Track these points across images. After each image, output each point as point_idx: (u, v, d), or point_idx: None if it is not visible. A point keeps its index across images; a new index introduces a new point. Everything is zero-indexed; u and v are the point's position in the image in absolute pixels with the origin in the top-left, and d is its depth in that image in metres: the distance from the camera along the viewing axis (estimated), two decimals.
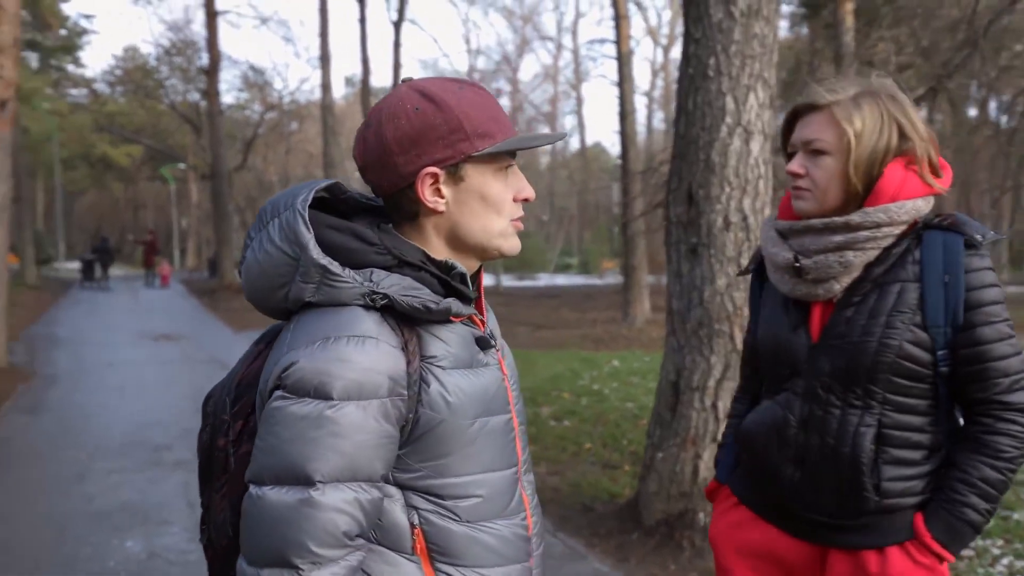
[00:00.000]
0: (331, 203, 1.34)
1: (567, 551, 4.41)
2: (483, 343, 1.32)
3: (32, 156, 40.05)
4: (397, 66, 24.30)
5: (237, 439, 1.32)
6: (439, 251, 1.32)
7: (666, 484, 4.38)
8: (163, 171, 42.69)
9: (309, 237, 1.22)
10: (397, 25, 24.40)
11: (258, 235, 1.28)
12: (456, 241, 1.32)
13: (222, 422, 1.35)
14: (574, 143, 56.11)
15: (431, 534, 1.27)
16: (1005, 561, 4.13)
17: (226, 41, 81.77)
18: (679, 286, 4.49)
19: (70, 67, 45.72)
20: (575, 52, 51.93)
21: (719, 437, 4.27)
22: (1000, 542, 4.38)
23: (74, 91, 50.04)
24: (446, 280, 1.29)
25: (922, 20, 14.34)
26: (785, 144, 1.78)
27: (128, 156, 48.01)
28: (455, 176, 1.28)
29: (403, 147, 1.25)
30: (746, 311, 4.31)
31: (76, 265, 34.84)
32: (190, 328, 15.50)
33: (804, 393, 1.72)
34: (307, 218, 1.23)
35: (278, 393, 1.19)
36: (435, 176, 1.27)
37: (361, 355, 1.18)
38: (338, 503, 1.17)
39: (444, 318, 1.26)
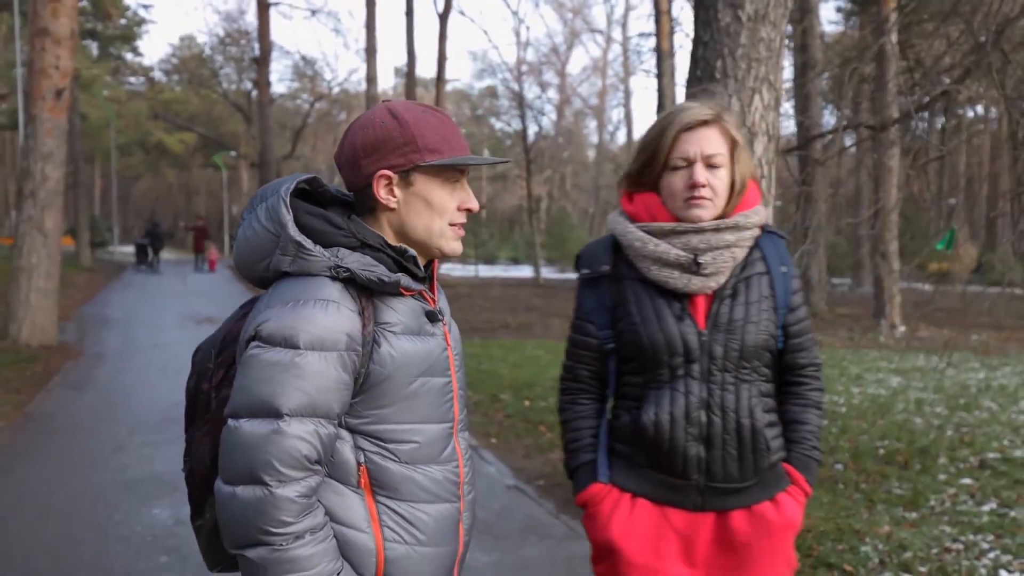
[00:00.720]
0: (312, 195, 1.62)
1: (568, 532, 4.61)
2: (431, 316, 1.59)
3: (90, 142, 41.24)
4: (442, 58, 24.60)
5: (219, 384, 1.59)
6: (392, 241, 1.59)
7: None
8: (215, 158, 43.61)
9: (288, 218, 1.50)
10: (443, 18, 24.69)
11: (249, 216, 1.57)
12: (403, 235, 1.59)
13: (207, 370, 1.64)
14: (620, 136, 55.93)
15: (373, 471, 1.52)
16: (992, 555, 4.23)
17: (279, 32, 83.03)
18: None
19: (128, 56, 46.81)
20: (624, 45, 51.61)
21: None
22: (991, 537, 4.47)
23: (132, 79, 51.32)
24: (399, 260, 1.54)
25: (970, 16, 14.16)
26: (659, 155, 1.92)
27: (182, 143, 49.09)
28: (406, 181, 1.55)
29: (367, 152, 1.54)
30: None
31: (130, 248, 35.87)
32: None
33: (701, 377, 1.89)
34: (288, 203, 1.51)
35: (254, 343, 1.45)
36: (389, 178, 1.55)
37: (324, 315, 1.44)
38: (300, 432, 1.41)
39: (395, 290, 1.51)
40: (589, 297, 1.97)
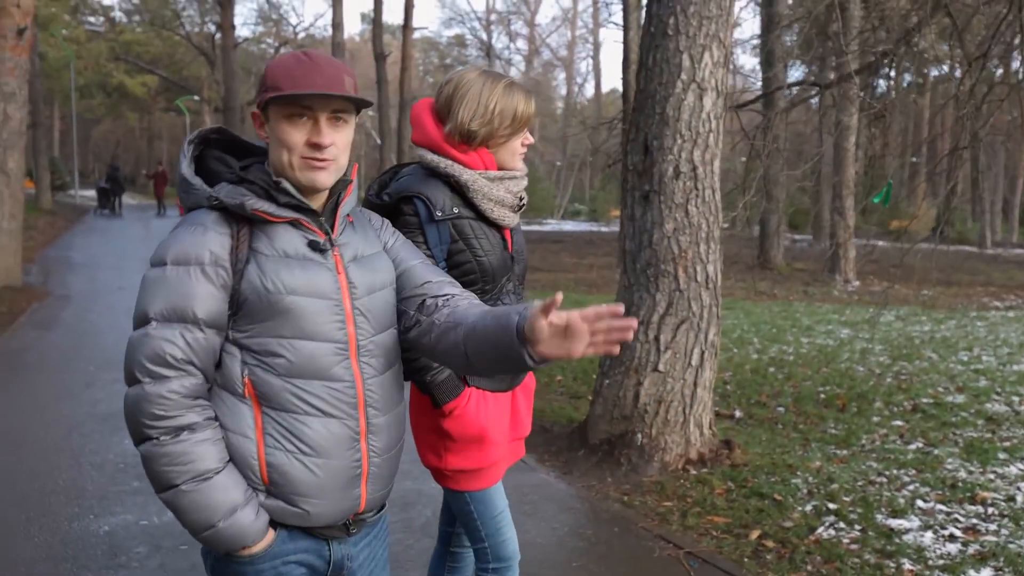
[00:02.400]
0: (233, 143, 1.84)
1: (520, 465, 4.89)
2: (313, 245, 1.70)
3: (49, 83, 40.22)
4: (409, 5, 24.34)
5: None
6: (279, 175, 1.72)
7: (610, 408, 4.84)
8: (178, 102, 42.83)
9: (184, 161, 1.73)
10: None
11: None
12: (274, 169, 1.72)
13: None
14: (589, 89, 55.67)
15: (256, 383, 1.65)
16: (912, 487, 4.59)
17: None
18: (632, 229, 4.89)
19: None
20: None
21: (660, 367, 4.72)
22: (913, 472, 4.83)
23: (91, 19, 49.94)
24: (268, 191, 1.68)
25: None
26: (518, 122, 2.31)
27: (144, 86, 48.08)
28: (265, 118, 1.71)
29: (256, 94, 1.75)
30: (690, 253, 4.74)
31: (91, 192, 35.30)
32: None
33: (513, 291, 2.38)
34: (187, 150, 1.75)
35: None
36: (256, 116, 1.74)
37: (190, 235, 1.63)
38: (165, 335, 1.58)
39: (249, 213, 1.65)
40: (432, 234, 2.20)
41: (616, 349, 1.50)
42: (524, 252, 2.45)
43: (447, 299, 1.81)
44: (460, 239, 2.21)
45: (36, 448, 4.93)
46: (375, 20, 24.52)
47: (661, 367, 4.73)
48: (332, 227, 1.75)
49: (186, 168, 1.70)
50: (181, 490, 1.58)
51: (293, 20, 61.38)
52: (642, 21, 5.30)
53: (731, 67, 5.09)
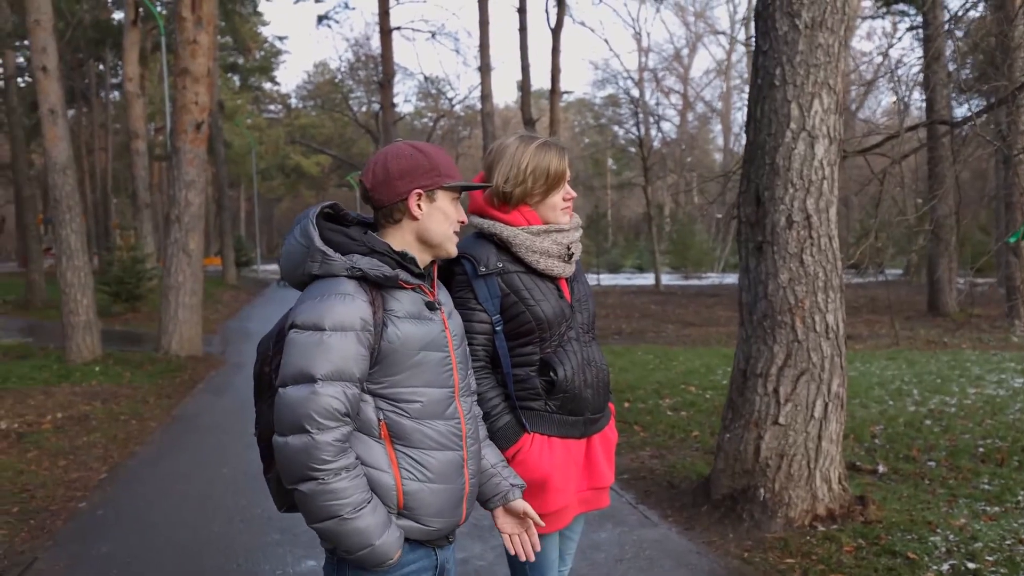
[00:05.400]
0: (336, 217, 2.11)
1: (643, 519, 4.90)
2: (429, 306, 2.04)
3: (234, 168, 44.02)
4: (555, 71, 25.04)
5: (277, 367, 2.03)
6: (409, 245, 2.05)
7: (731, 462, 4.77)
8: (348, 178, 45.68)
9: (315, 234, 1.98)
10: (555, 32, 25.15)
11: (289, 235, 2.07)
12: (423, 239, 2.07)
13: (267, 356, 2.10)
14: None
15: (390, 425, 1.96)
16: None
17: (404, 54, 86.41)
18: (747, 280, 4.86)
19: (267, 85, 49.73)
20: (748, 46, 50.60)
21: (780, 420, 4.62)
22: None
23: (271, 107, 54.43)
24: (400, 262, 1.99)
25: None
26: (553, 179, 2.48)
27: (317, 165, 51.66)
28: (431, 197, 2.05)
29: (401, 175, 2.03)
30: (807, 303, 4.65)
31: (273, 267, 38.08)
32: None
33: (577, 339, 2.48)
34: (315, 223, 2.01)
35: (292, 330, 1.91)
36: (419, 195, 2.04)
37: (342, 305, 1.89)
38: (331, 392, 1.85)
39: (396, 284, 1.96)
40: (481, 289, 2.37)
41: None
42: (589, 301, 2.56)
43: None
44: (511, 292, 2.38)
45: (196, 503, 5.41)
46: (523, 87, 25.37)
47: (782, 420, 4.63)
48: (432, 288, 2.08)
49: (319, 241, 1.96)
50: (344, 519, 1.86)
51: (450, 94, 64.31)
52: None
53: (842, 111, 5.00)
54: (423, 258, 2.08)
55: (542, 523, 2.27)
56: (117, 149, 36.94)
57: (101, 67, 36.01)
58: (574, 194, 2.54)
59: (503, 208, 2.45)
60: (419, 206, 2.02)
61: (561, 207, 2.50)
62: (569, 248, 2.47)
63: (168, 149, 13.90)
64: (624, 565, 4.24)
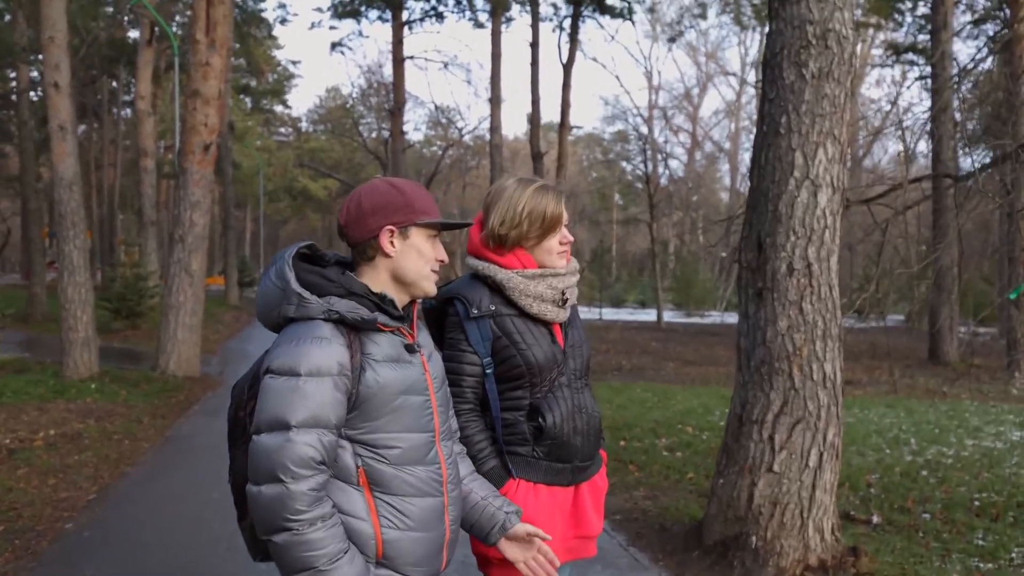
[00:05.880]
0: (313, 257, 2.06)
1: (633, 563, 4.86)
2: (409, 348, 1.98)
3: (242, 188, 44.28)
4: (565, 105, 25.27)
5: (252, 411, 1.97)
6: (385, 284, 1.99)
7: (724, 508, 4.74)
8: None
9: (291, 276, 1.92)
10: (566, 67, 25.42)
11: (264, 276, 2.02)
12: (397, 278, 2.00)
13: (242, 401, 2.04)
14: None
15: (369, 472, 1.90)
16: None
17: (416, 83, 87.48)
18: (746, 325, 4.86)
19: (278, 108, 50.10)
20: (758, 88, 50.90)
21: (775, 468, 4.59)
22: None
23: (282, 130, 54.81)
24: (379, 304, 1.94)
25: None
26: (549, 222, 2.46)
27: (325, 189, 51.88)
28: (404, 234, 1.98)
29: (374, 212, 1.97)
30: (805, 351, 4.64)
31: None
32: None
33: (568, 385, 2.46)
34: (291, 264, 1.95)
35: (267, 375, 1.85)
36: (392, 232, 1.97)
37: (318, 350, 1.83)
38: (306, 440, 1.79)
39: (373, 327, 1.90)
40: (472, 331, 2.35)
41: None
42: (583, 347, 2.53)
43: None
44: (503, 335, 2.36)
45: (185, 526, 5.37)
46: (533, 120, 25.58)
47: (776, 467, 4.60)
48: (412, 330, 2.02)
49: (295, 283, 1.90)
50: (319, 570, 1.79)
51: (460, 123, 64.88)
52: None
53: (846, 161, 5.03)
54: (400, 298, 2.01)
55: (549, 536, 2.22)
56: (126, 166, 37.19)
57: (114, 84, 36.34)
58: (571, 238, 2.52)
59: (499, 250, 2.43)
60: (392, 243, 1.96)
61: (558, 251, 2.48)
62: (564, 293, 2.45)
63: (175, 168, 13.99)
64: None
